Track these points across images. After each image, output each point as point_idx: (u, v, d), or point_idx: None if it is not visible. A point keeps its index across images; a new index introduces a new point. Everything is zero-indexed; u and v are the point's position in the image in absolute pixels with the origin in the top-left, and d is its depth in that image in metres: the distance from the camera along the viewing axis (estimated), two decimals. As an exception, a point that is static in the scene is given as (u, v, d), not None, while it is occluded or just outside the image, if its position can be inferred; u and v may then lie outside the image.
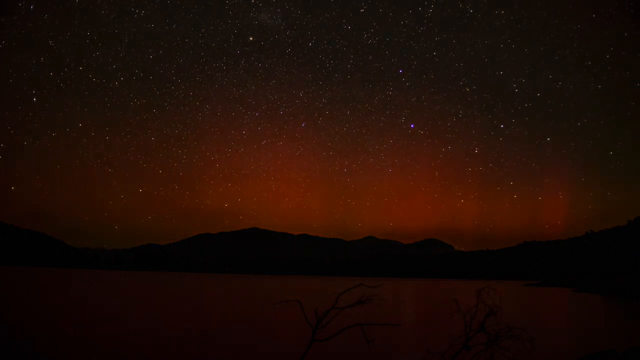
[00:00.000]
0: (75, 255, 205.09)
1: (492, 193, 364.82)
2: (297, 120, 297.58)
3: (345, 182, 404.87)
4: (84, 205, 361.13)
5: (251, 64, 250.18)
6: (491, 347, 6.66)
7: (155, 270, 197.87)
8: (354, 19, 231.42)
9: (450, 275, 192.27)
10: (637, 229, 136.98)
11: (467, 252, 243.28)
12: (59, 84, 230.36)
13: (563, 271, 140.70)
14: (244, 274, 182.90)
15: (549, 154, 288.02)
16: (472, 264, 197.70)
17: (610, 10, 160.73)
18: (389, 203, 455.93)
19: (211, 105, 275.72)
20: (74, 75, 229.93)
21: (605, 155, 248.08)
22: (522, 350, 6.67)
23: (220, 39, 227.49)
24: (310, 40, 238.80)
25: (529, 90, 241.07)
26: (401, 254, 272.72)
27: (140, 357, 12.85)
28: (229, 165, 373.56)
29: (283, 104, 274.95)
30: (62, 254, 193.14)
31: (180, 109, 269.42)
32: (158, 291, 49.29)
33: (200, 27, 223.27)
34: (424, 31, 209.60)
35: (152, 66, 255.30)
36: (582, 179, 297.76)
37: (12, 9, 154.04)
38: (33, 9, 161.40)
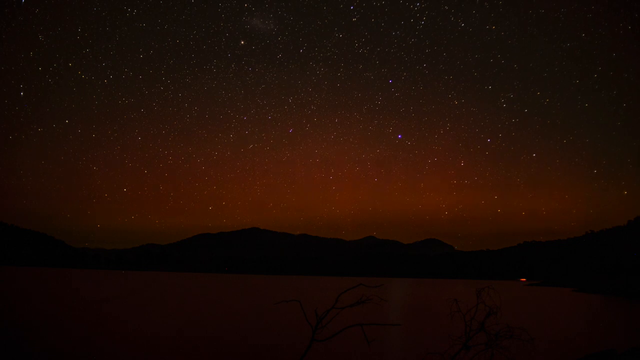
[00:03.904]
0: (75, 255, 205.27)
1: (476, 206, 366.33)
2: (285, 125, 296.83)
3: (331, 190, 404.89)
4: (67, 202, 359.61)
5: (241, 67, 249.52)
6: (491, 347, 6.66)
7: (155, 270, 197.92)
8: (346, 28, 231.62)
9: (450, 275, 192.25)
10: (637, 229, 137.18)
11: (467, 252, 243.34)
12: (47, 79, 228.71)
13: (563, 271, 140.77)
14: (244, 274, 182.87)
15: (534, 170, 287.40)
16: (472, 264, 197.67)
17: (599, 31, 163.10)
18: (373, 213, 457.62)
19: (199, 108, 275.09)
20: (63, 71, 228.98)
21: (589, 173, 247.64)
22: (522, 350, 6.68)
23: (211, 42, 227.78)
24: (302, 46, 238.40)
25: (516, 106, 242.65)
26: (401, 254, 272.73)
27: (139, 356, 12.85)
28: (214, 168, 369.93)
29: (271, 109, 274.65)
30: (62, 254, 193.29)
31: (168, 109, 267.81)
32: (157, 291, 49.28)
33: (192, 28, 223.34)
34: (415, 43, 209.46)
35: (142, 66, 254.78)
36: (566, 196, 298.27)
37: (2, 2, 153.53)
38: (24, 2, 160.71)
